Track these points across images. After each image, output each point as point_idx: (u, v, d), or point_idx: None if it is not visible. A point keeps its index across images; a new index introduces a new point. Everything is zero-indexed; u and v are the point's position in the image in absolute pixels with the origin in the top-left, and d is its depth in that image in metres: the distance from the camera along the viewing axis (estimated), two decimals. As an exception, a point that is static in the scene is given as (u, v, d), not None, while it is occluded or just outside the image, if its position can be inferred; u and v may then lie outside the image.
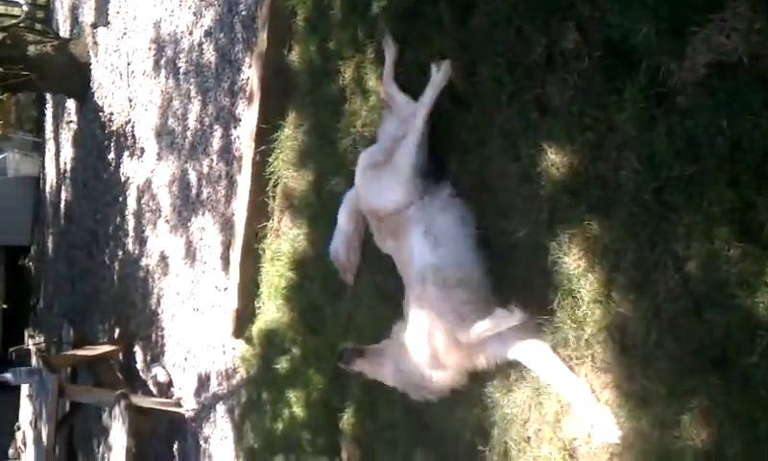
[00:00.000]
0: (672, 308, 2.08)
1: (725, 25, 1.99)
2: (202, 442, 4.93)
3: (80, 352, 6.32)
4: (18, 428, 6.66)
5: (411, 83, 3.10)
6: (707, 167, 2.00)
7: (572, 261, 2.38)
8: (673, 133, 2.10)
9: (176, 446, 5.39)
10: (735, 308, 1.91)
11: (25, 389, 6.41)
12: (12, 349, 6.94)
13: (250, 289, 4.17)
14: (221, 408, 4.69)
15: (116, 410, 5.06)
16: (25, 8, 7.83)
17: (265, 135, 4.04)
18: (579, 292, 2.35)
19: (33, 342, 7.73)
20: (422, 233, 2.68)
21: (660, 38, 2.14)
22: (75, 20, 8.47)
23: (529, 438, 2.50)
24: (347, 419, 3.44)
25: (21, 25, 7.45)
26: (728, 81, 1.98)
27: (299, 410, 3.81)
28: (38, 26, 9.17)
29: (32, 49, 7.23)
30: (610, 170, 2.28)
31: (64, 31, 8.78)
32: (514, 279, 2.59)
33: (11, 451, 6.64)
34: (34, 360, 6.01)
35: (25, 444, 6.42)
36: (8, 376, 5.68)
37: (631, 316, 2.20)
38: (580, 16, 2.38)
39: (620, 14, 2.24)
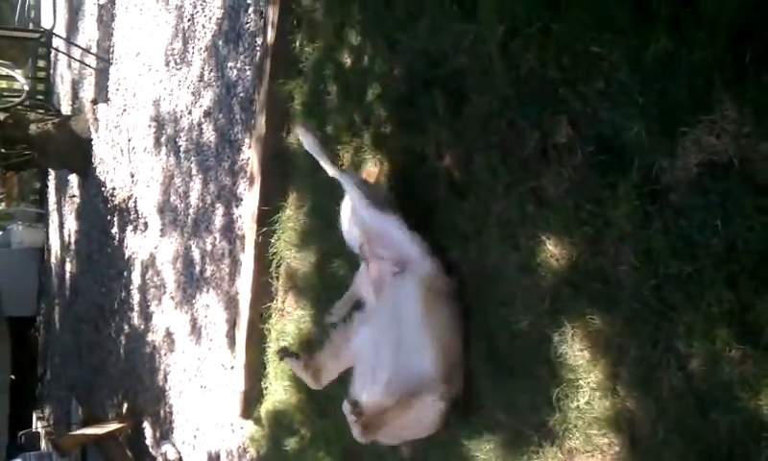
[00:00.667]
0: (677, 406, 2.10)
1: (714, 126, 2.04)
2: (213, 524, 4.91)
3: (89, 431, 6.32)
4: (29, 513, 6.62)
5: (408, 170, 3.17)
6: (704, 267, 2.03)
7: (576, 353, 2.40)
8: (668, 230, 2.14)
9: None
10: (740, 410, 1.93)
11: (35, 474, 6.40)
12: (21, 432, 6.92)
13: (256, 369, 4.19)
14: (232, 489, 4.67)
15: (127, 493, 5.06)
16: (26, 86, 7.94)
17: (267, 217, 4.10)
18: (583, 384, 2.37)
19: (41, 424, 7.71)
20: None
21: (650, 137, 2.18)
22: (75, 96, 8.60)
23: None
24: (359, 503, 3.44)
25: (23, 104, 7.53)
26: (720, 181, 2.02)
27: (310, 493, 3.81)
28: (39, 99, 9.31)
29: (33, 128, 7.34)
30: (608, 264, 2.31)
31: (65, 107, 8.91)
32: (514, 366, 2.62)
33: None
34: (43, 444, 6.01)
35: (37, 529, 6.39)
36: (18, 462, 5.69)
37: (637, 411, 2.22)
38: (572, 111, 2.44)
39: (611, 111, 2.30)
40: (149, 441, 6.10)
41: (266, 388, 4.13)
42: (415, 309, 2.79)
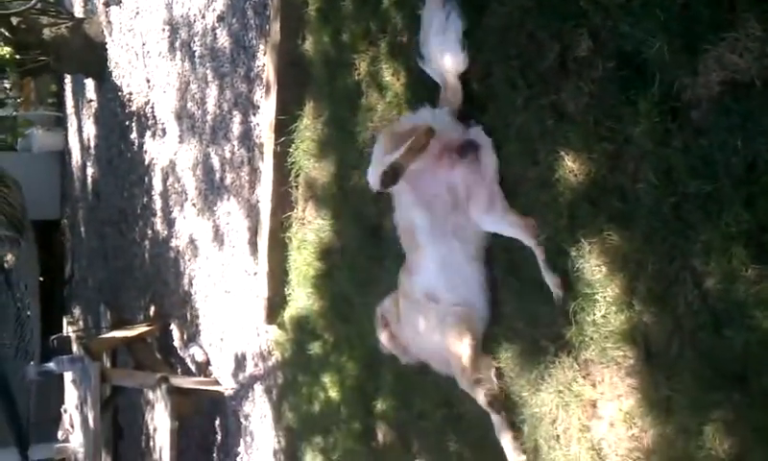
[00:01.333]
0: (692, 322, 2.14)
1: (737, 44, 1.99)
2: (242, 419, 5.13)
3: (118, 335, 6.53)
4: (65, 412, 6.93)
5: (425, 81, 3.14)
6: (723, 186, 2.03)
7: (593, 268, 2.44)
8: (688, 149, 2.13)
9: (217, 422, 5.62)
10: (754, 328, 1.97)
11: (69, 374, 6.65)
12: (53, 337, 7.18)
13: (279, 277, 4.28)
14: (259, 388, 4.86)
15: (158, 393, 5.28)
16: (37, -11, 7.79)
17: (284, 126, 4.09)
18: (600, 298, 2.42)
19: (72, 328, 7.98)
20: (439, 262, 2.86)
21: (672, 53, 2.14)
22: (87, -1, 8.46)
23: (558, 436, 2.60)
24: (380, 406, 3.58)
25: (35, 8, 7.41)
26: (741, 101, 1.99)
27: (334, 394, 3.96)
28: (51, 2, 9.14)
29: (47, 32, 7.26)
30: (628, 181, 2.32)
31: (77, 10, 8.76)
32: (532, 281, 2.67)
33: (59, 434, 6.93)
34: (75, 347, 6.23)
35: (72, 426, 6.70)
36: (51, 365, 5.90)
37: (652, 326, 2.27)
38: (592, 24, 2.38)
39: (632, 26, 2.24)
40: (176, 343, 6.32)
41: (289, 294, 4.24)
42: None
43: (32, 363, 7.11)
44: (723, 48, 2.02)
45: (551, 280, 2.55)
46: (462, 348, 2.81)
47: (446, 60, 2.89)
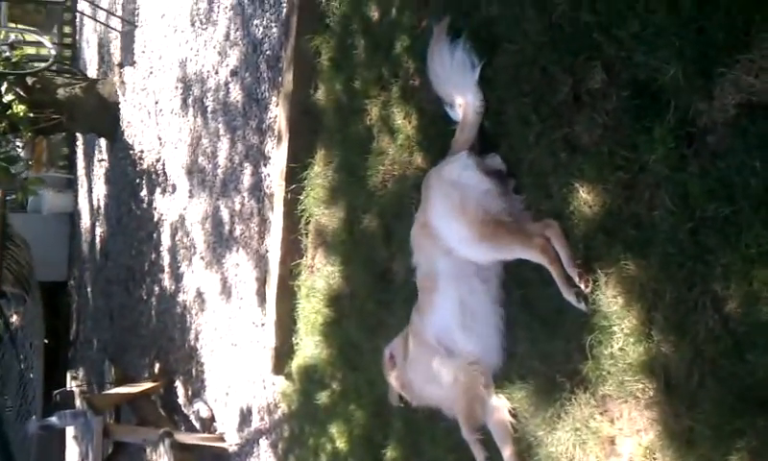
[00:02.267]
0: (713, 349, 2.08)
1: (753, 66, 2.00)
2: (246, 476, 5.00)
3: (122, 391, 6.43)
4: (66, 469, 6.79)
5: (437, 122, 3.15)
6: (742, 209, 2.01)
7: (609, 300, 2.39)
8: (705, 173, 2.11)
9: (221, 480, 5.47)
10: (778, 350, 1.92)
11: (71, 430, 6.52)
12: (56, 391, 7.07)
13: (287, 326, 4.23)
14: (264, 443, 4.75)
15: (161, 448, 5.15)
16: (53, 51, 7.98)
17: (295, 174, 4.11)
18: (617, 330, 2.36)
19: (75, 383, 7.87)
20: (458, 302, 2.79)
21: (687, 79, 2.14)
22: (102, 60, 8.63)
23: (575, 476, 2.51)
24: (390, 455, 3.47)
25: (50, 69, 7.58)
26: (759, 122, 1.99)
27: (342, 445, 3.85)
28: (66, 64, 9.36)
29: (61, 92, 7.39)
30: (643, 210, 2.29)
31: (92, 71, 8.96)
32: (547, 318, 2.62)
33: (60, 492, 6.78)
34: (78, 402, 6.12)
35: (74, 484, 6.55)
36: (53, 419, 5.80)
37: (672, 355, 2.20)
38: (606, 56, 2.40)
39: (646, 55, 2.26)
40: (181, 399, 6.21)
41: (297, 343, 4.18)
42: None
43: (33, 417, 6.98)
44: (738, 70, 2.03)
45: (570, 296, 2.48)
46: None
47: (468, 98, 2.90)
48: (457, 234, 2.76)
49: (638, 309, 2.30)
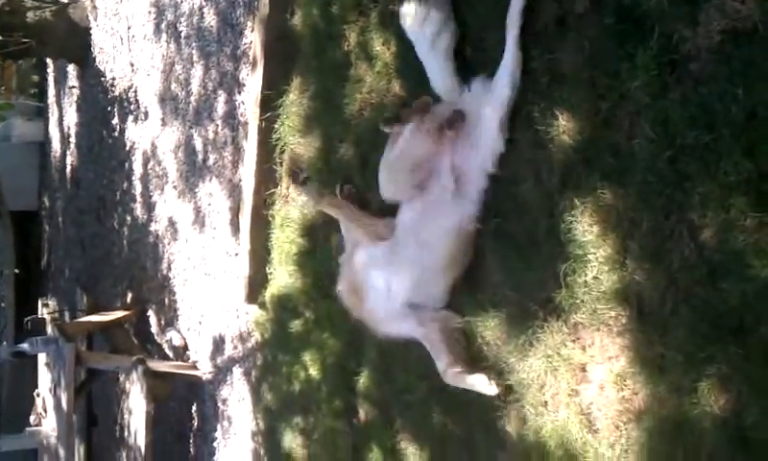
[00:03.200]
0: (687, 277, 2.09)
1: (739, -10, 1.95)
2: (220, 404, 5.02)
3: (94, 319, 6.39)
4: (38, 395, 6.75)
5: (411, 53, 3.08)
6: (722, 136, 1.98)
7: (584, 228, 2.38)
8: (687, 100, 2.08)
9: (194, 407, 5.49)
10: (752, 278, 1.91)
11: (42, 357, 6.49)
12: (27, 318, 6.99)
13: (260, 255, 4.19)
14: (237, 371, 4.76)
15: (134, 375, 5.15)
16: (21, -28, 7.67)
17: (270, 102, 4.01)
18: (592, 259, 2.36)
19: (47, 310, 7.81)
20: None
21: (672, 5, 2.10)
22: (72, -17, 8.34)
23: (546, 403, 2.54)
24: (363, 382, 3.50)
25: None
26: (743, 48, 1.95)
27: (315, 373, 3.87)
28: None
29: (30, 15, 7.13)
30: (623, 138, 2.26)
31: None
32: (523, 242, 2.61)
33: (32, 418, 6.75)
34: (49, 329, 6.08)
35: (46, 410, 6.53)
36: (24, 346, 5.74)
37: (646, 283, 2.21)
38: (589, -21, 2.34)
39: (631, -21, 2.20)
40: (154, 328, 6.20)
41: (270, 273, 4.15)
42: (442, 249, 2.81)
43: (4, 343, 6.93)
44: (724, -5, 1.98)
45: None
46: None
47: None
48: None
49: (614, 238, 2.29)
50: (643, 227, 2.21)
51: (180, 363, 5.39)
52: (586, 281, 2.36)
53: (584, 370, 2.42)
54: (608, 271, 2.31)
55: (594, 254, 2.34)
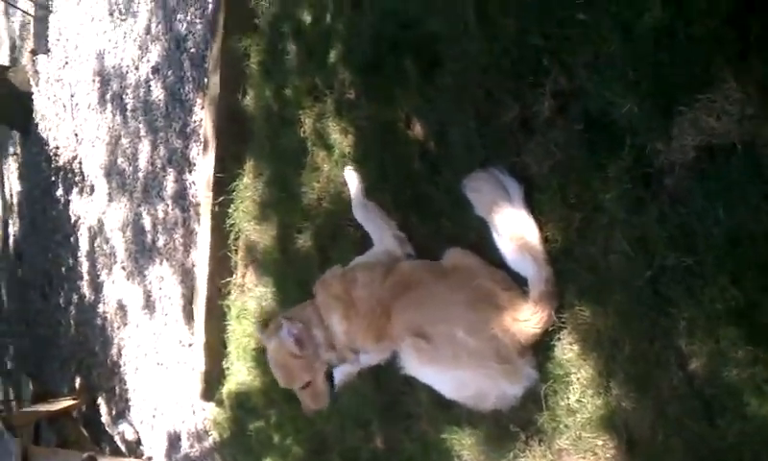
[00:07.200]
0: (678, 408, 1.97)
1: (714, 106, 1.86)
2: (176, 504, 4.75)
3: (41, 408, 6.03)
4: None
5: (376, 140, 2.94)
6: (705, 260, 1.88)
7: (564, 346, 2.25)
8: (665, 218, 1.98)
9: (149, 506, 5.18)
10: (751, 417, 1.79)
11: (-15, 453, 6.12)
12: (-33, 409, 6.61)
13: (216, 349, 3.98)
14: (194, 470, 4.50)
15: (84, 474, 4.83)
16: (-42, 36, 7.37)
17: (223, 185, 3.84)
18: (573, 380, 2.23)
19: (-10, 397, 7.40)
20: None
21: (643, 116, 2.01)
22: (13, 46, 8.05)
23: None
24: (329, 492, 3.29)
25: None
26: (721, 166, 1.86)
27: (277, 481, 3.65)
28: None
29: (-32, 80, 6.84)
30: (598, 252, 2.15)
31: (2, 57, 8.35)
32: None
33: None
34: (-7, 420, 5.72)
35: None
36: (-35, 443, 5.40)
37: (633, 412, 2.08)
38: (555, 83, 2.24)
39: (599, 86, 2.10)
40: (105, 419, 5.86)
41: (227, 368, 3.94)
42: None
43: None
44: (698, 110, 1.89)
45: None
46: None
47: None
48: None
49: (596, 359, 2.17)
50: (626, 350, 2.09)
51: (132, 459, 5.08)
52: (569, 405, 2.23)
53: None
54: (591, 395, 2.18)
55: (576, 374, 2.22)
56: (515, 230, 2.27)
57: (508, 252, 2.29)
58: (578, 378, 2.20)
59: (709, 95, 1.86)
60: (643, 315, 2.03)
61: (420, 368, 2.39)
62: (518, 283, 2.30)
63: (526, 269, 2.25)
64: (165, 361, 4.73)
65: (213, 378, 3.99)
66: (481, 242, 2.46)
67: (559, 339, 2.25)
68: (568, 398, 2.22)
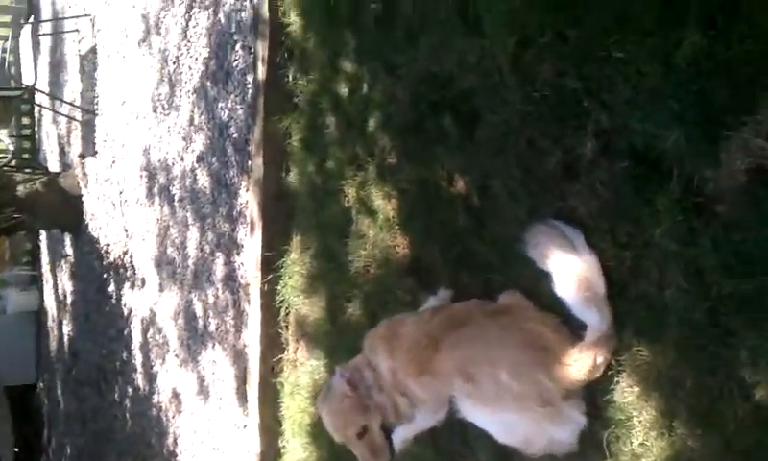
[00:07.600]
0: (745, 442, 1.88)
1: (762, 127, 1.84)
2: None
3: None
4: None
5: (420, 201, 2.97)
6: (763, 285, 1.83)
7: (624, 389, 2.19)
8: (719, 247, 1.94)
9: None
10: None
11: None
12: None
13: (271, 428, 3.95)
14: None
15: None
16: (11, 146, 7.75)
17: (270, 263, 3.90)
18: (636, 423, 2.15)
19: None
20: None
21: (690, 144, 1.99)
22: (62, 152, 8.40)
23: None
24: None
25: (9, 165, 7.32)
26: (773, 188, 1.83)
27: None
28: (26, 158, 9.09)
29: (21, 189, 7.10)
30: (653, 289, 2.11)
31: (53, 164, 8.72)
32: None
33: None
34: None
35: None
36: None
37: (700, 450, 1.99)
38: (597, 123, 2.24)
39: (642, 121, 2.10)
40: (162, 510, 5.82)
41: (283, 447, 3.89)
42: None
43: None
44: (746, 133, 1.87)
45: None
46: None
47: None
48: None
49: (657, 399, 2.10)
50: (687, 386, 2.02)
51: None
52: (632, 450, 2.15)
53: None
54: (655, 436, 2.10)
55: (638, 417, 2.15)
56: (580, 277, 2.23)
57: (573, 300, 2.24)
58: (640, 421, 2.13)
59: (756, 116, 1.86)
60: (703, 348, 1.97)
61: (473, 411, 2.36)
62: (572, 328, 2.27)
63: (591, 316, 2.20)
64: (221, 445, 4.70)
65: (269, 459, 3.95)
66: (532, 292, 2.45)
67: (617, 382, 2.19)
68: (631, 442, 2.14)
